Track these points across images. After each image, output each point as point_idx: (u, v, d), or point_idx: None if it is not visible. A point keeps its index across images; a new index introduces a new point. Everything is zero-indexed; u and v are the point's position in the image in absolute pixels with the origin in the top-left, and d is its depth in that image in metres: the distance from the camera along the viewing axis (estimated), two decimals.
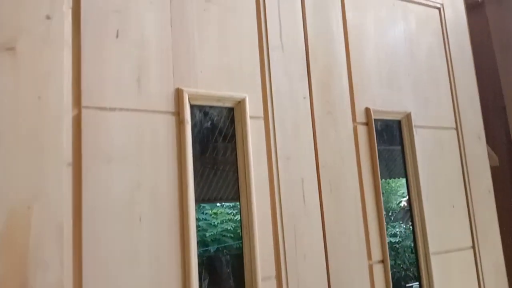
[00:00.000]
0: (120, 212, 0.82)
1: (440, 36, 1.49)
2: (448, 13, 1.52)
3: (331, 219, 1.08)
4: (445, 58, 1.47)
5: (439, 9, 1.50)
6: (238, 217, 0.99)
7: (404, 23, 1.40)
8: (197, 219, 0.91)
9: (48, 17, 0.81)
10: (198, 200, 0.92)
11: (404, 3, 1.41)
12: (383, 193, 1.45)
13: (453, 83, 1.46)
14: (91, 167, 0.81)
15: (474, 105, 1.50)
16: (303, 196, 1.05)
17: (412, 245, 1.27)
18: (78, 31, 0.85)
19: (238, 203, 0.99)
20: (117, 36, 0.88)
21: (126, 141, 0.85)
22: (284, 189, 1.03)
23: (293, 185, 1.04)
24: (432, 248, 1.25)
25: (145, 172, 0.86)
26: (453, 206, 1.34)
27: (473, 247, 1.35)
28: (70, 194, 0.79)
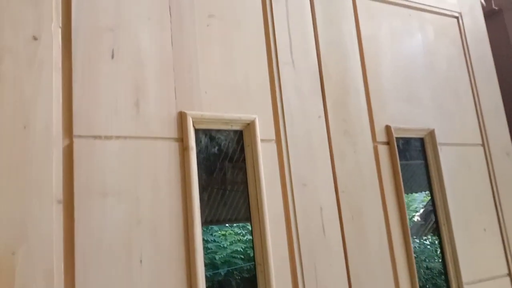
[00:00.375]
0: (118, 254, 0.72)
1: (459, 46, 1.39)
2: (467, 22, 1.43)
3: (354, 251, 0.98)
4: (466, 69, 1.38)
5: (457, 18, 1.41)
6: (247, 237, 0.89)
7: (422, 33, 1.31)
8: (206, 241, 0.82)
9: (35, 38, 0.73)
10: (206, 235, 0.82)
11: (420, 12, 1.33)
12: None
13: (476, 96, 1.36)
14: (84, 204, 0.72)
15: (500, 118, 1.39)
16: (323, 226, 0.95)
17: (443, 271, 1.15)
18: (69, 52, 0.76)
19: (248, 224, 0.88)
20: (112, 57, 0.80)
21: (123, 173, 0.76)
22: (301, 219, 0.92)
23: (311, 214, 0.94)
24: (465, 277, 1.13)
25: (145, 206, 0.77)
26: (485, 230, 1.23)
27: (510, 274, 1.23)
28: (61, 236, 0.69)
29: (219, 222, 0.87)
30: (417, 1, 1.31)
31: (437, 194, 1.17)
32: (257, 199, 0.88)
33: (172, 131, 0.82)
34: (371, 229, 1.02)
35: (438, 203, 1.17)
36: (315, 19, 1.08)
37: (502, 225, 1.26)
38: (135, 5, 0.84)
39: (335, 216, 0.97)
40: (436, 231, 1.17)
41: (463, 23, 1.42)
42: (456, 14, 1.41)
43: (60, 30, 0.76)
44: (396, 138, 1.14)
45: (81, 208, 0.71)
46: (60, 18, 0.77)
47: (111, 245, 0.72)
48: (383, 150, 1.10)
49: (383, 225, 1.04)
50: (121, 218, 0.74)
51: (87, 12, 0.79)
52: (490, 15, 1.75)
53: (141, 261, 0.74)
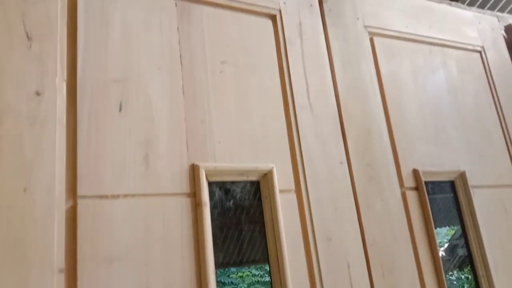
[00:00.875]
0: None
1: (485, 82, 1.33)
2: (491, 56, 1.37)
3: None
4: (493, 105, 1.30)
5: (479, 52, 1.35)
6: (266, 278, 0.81)
7: (444, 70, 1.25)
8: (222, 283, 0.74)
9: (37, 93, 0.69)
10: None
11: (441, 48, 1.27)
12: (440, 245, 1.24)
13: (507, 133, 1.27)
14: (88, 272, 0.65)
15: None
16: (351, 285, 0.86)
17: None
18: (74, 107, 0.72)
19: (267, 265, 0.80)
20: (120, 110, 0.75)
21: (131, 235, 0.70)
22: (327, 278, 0.84)
23: (338, 272, 0.86)
24: None
25: (155, 271, 0.70)
26: None
27: None
28: None
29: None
30: (437, 37, 1.26)
31: (473, 241, 1.07)
32: (277, 257, 0.80)
33: (184, 186, 0.76)
34: (404, 286, 0.92)
35: (475, 251, 1.07)
36: (332, 60, 1.04)
37: None
38: (145, 55, 0.80)
39: (364, 273, 0.88)
40: (475, 284, 1.06)
41: (486, 57, 1.36)
42: (479, 48, 1.35)
43: (65, 84, 0.72)
44: (425, 182, 1.06)
45: (84, 277, 0.65)
46: (65, 71, 0.73)
47: None
48: (412, 196, 1.02)
49: (417, 281, 0.94)
50: (128, 286, 0.67)
51: (93, 64, 0.75)
52: None
53: None
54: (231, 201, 0.82)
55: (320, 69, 1.01)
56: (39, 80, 0.70)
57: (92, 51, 0.76)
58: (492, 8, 1.59)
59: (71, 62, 0.74)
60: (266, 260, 0.82)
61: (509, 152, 1.26)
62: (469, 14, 1.38)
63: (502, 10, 1.63)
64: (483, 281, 1.05)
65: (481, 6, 1.56)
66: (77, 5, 0.77)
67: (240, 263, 0.81)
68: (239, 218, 0.82)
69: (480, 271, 1.05)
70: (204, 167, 0.78)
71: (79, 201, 0.68)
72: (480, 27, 1.38)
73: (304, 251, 0.84)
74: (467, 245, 1.09)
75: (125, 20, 0.80)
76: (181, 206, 0.75)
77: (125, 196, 0.71)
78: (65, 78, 0.73)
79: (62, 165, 0.68)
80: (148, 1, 0.84)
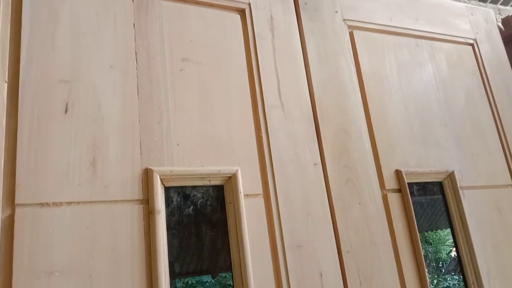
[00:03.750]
0: None
1: (478, 76, 1.25)
2: (484, 49, 1.30)
3: None
4: (487, 102, 1.23)
5: (472, 45, 1.28)
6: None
7: (433, 64, 1.18)
8: None
9: None
10: None
11: (429, 42, 1.20)
12: (430, 244, 1.17)
13: (501, 131, 1.20)
14: (24, 285, 0.60)
15: None
16: None
17: None
18: (15, 110, 0.68)
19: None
20: (65, 112, 0.70)
21: (75, 245, 0.65)
22: None
23: (309, 281, 0.80)
24: None
25: (101, 285, 0.64)
26: None
27: None
28: None
29: None
30: (424, 29, 1.19)
31: (463, 247, 1.00)
32: (240, 266, 0.75)
33: (135, 192, 0.71)
34: None
35: (465, 257, 1.00)
36: (307, 56, 0.98)
37: None
38: (96, 53, 0.76)
39: (338, 283, 0.82)
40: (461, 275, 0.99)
41: (479, 50, 1.29)
42: (471, 41, 1.28)
43: (6, 85, 0.68)
44: (410, 183, 0.99)
45: None
46: (7, 72, 0.68)
47: None
48: (394, 198, 0.95)
49: None
50: None
51: (38, 64, 0.71)
52: (510, 40, 1.61)
53: None
54: (191, 208, 0.77)
55: (293, 66, 0.96)
56: None
57: (37, 50, 0.71)
58: (494, 1, 1.52)
59: (14, 62, 0.70)
60: (229, 269, 0.76)
61: (504, 151, 1.18)
62: (460, 5, 1.31)
63: (505, 3, 1.55)
64: None
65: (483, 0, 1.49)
66: (22, 1, 0.73)
67: (200, 272, 0.75)
68: (200, 226, 0.77)
69: (470, 278, 0.98)
70: (159, 171, 0.73)
71: (17, 209, 0.63)
72: (472, 19, 1.31)
73: (272, 260, 0.79)
74: (457, 250, 1.02)
75: (75, 16, 0.76)
76: (132, 214, 0.70)
77: (69, 203, 0.66)
78: (6, 79, 0.68)
79: (0, 171, 0.63)
80: None
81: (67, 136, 0.69)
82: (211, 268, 0.76)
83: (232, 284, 0.75)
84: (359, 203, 0.91)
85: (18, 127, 0.67)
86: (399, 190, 0.97)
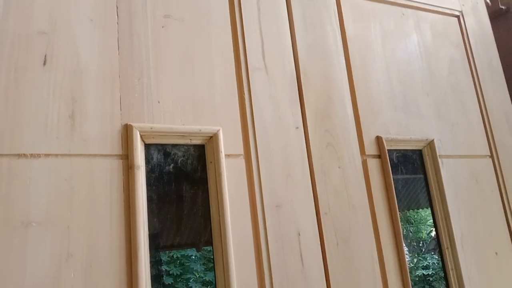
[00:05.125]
0: None
1: (462, 48, 1.26)
2: (469, 22, 1.30)
3: (339, 282, 0.84)
4: (470, 74, 1.24)
5: (457, 17, 1.28)
6: None
7: (418, 35, 1.18)
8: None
9: None
10: (157, 270, 0.70)
11: (415, 11, 1.20)
12: (412, 223, 1.20)
13: (482, 103, 1.22)
14: (2, 235, 0.60)
15: (511, 127, 1.25)
16: (300, 254, 0.82)
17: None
18: None
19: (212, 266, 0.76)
20: (44, 63, 0.69)
21: (53, 197, 0.64)
22: (274, 247, 0.79)
23: (287, 241, 0.81)
24: None
25: (79, 238, 0.65)
26: (496, 254, 1.07)
27: None
28: None
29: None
30: None
31: (439, 212, 1.03)
32: (219, 224, 0.76)
33: (115, 147, 0.71)
34: (360, 257, 0.88)
35: (440, 223, 1.02)
36: (292, 19, 0.97)
37: None
38: (76, 6, 0.74)
39: (316, 243, 0.84)
40: (439, 255, 1.02)
41: (465, 23, 1.29)
42: (457, 13, 1.28)
43: None
44: (390, 150, 1.01)
45: None
46: None
47: (35, 283, 0.61)
48: (373, 164, 0.97)
49: (375, 253, 0.90)
50: (47, 252, 0.62)
51: (16, 14, 0.69)
52: (497, 15, 1.61)
53: None
54: (171, 165, 0.77)
55: (278, 28, 0.95)
56: None
57: (16, 1, 0.69)
58: None
59: None
60: (209, 228, 0.77)
61: (483, 123, 1.20)
62: None
63: None
64: (446, 252, 1.01)
65: None
66: None
67: (179, 233, 0.76)
68: (180, 183, 0.77)
69: (445, 243, 1.01)
70: (139, 127, 0.73)
71: None
72: None
73: (251, 218, 0.80)
74: (433, 216, 1.04)
75: None
76: (111, 169, 0.69)
77: (47, 155, 0.66)
78: None
79: None
80: None
81: (46, 89, 0.68)
82: (189, 222, 0.77)
83: (211, 241, 0.76)
84: (339, 167, 0.92)
85: None
86: (379, 156, 0.98)
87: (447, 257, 1.00)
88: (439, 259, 1.06)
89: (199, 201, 0.78)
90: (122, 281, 0.65)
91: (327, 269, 0.83)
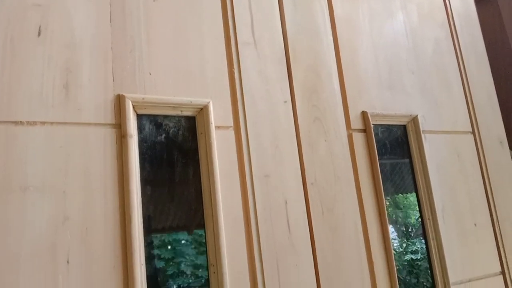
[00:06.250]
0: (41, 253, 0.63)
1: (447, 29, 1.29)
2: (455, 3, 1.33)
3: (324, 249, 0.88)
4: (454, 54, 1.28)
5: None
6: None
7: (404, 15, 1.21)
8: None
9: None
10: (149, 232, 0.73)
11: None
12: (401, 209, 1.25)
13: (466, 82, 1.26)
14: (1, 199, 0.63)
15: (492, 105, 1.29)
16: (288, 222, 0.85)
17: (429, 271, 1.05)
18: None
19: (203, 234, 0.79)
20: (39, 34, 0.71)
21: (48, 164, 0.67)
22: (262, 214, 0.83)
23: (274, 209, 0.85)
24: (452, 277, 1.03)
25: (75, 202, 0.68)
26: (475, 225, 1.12)
27: (503, 272, 1.12)
28: None
29: (166, 220, 0.78)
30: None
31: (421, 185, 1.07)
32: (210, 192, 0.79)
33: (108, 116, 0.73)
34: (344, 225, 0.92)
35: (422, 195, 1.07)
36: None
37: (495, 219, 1.16)
38: None
39: (302, 211, 0.88)
40: (421, 226, 1.07)
41: (450, 4, 1.32)
42: None
43: None
44: (375, 125, 1.04)
45: None
46: None
47: (32, 244, 0.64)
48: (358, 138, 1.00)
49: (359, 222, 0.94)
50: (44, 215, 0.65)
51: None
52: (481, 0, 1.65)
53: (68, 261, 0.65)
54: (163, 136, 0.79)
55: (268, 4, 0.97)
56: None
57: None
58: None
59: None
60: (199, 196, 0.80)
61: (466, 100, 1.24)
62: None
63: None
64: (428, 224, 1.05)
65: None
66: None
67: (171, 199, 0.79)
68: (172, 153, 0.80)
69: (426, 214, 1.06)
70: (131, 98, 0.75)
71: None
72: None
73: (240, 187, 0.83)
74: (415, 188, 1.09)
75: None
76: (105, 137, 0.72)
77: (43, 123, 0.68)
78: None
79: None
80: None
81: (41, 59, 0.70)
82: (181, 193, 0.80)
83: (202, 208, 0.79)
84: (325, 140, 0.96)
85: None
86: (364, 130, 1.02)
87: (428, 227, 1.05)
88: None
89: (190, 170, 0.81)
90: (116, 242, 0.68)
91: (313, 236, 0.87)
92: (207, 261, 0.77)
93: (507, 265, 1.14)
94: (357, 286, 0.89)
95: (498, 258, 1.13)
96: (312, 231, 0.88)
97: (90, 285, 0.66)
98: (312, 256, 0.86)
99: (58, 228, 0.65)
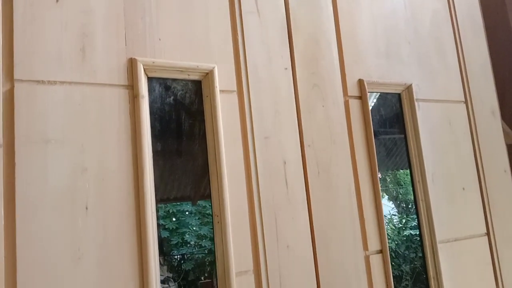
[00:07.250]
0: (62, 201, 0.71)
1: (445, 1, 1.33)
2: None
3: (319, 205, 0.95)
4: (451, 26, 1.32)
5: None
6: None
7: None
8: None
9: None
10: (159, 190, 0.80)
11: None
12: (401, 185, 1.31)
13: (461, 52, 1.30)
14: (25, 150, 0.70)
15: (486, 75, 1.34)
16: (286, 180, 0.92)
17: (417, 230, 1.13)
18: None
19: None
20: (57, 1, 0.77)
21: (67, 119, 0.74)
22: (262, 172, 0.90)
23: (274, 168, 0.92)
24: (439, 236, 1.10)
25: (92, 154, 0.75)
26: (464, 189, 1.19)
27: (488, 233, 1.20)
28: (1, 182, 0.68)
29: (174, 176, 0.85)
30: None
31: (412, 149, 1.13)
32: (215, 151, 0.86)
33: (121, 78, 0.79)
34: (338, 185, 0.99)
35: (413, 159, 1.13)
36: None
37: (483, 184, 1.22)
38: None
39: (299, 170, 0.95)
40: (412, 188, 1.14)
41: None
42: None
43: None
44: (371, 93, 1.10)
45: (22, 153, 0.70)
46: None
47: (54, 192, 0.71)
48: (354, 104, 1.06)
49: (352, 182, 1.01)
50: (64, 165, 0.72)
51: None
52: None
53: (86, 207, 0.72)
54: (172, 98, 0.86)
55: None
56: None
57: None
58: None
59: None
60: (205, 153, 0.87)
61: (460, 71, 1.29)
62: None
63: None
64: (418, 186, 1.12)
65: None
66: None
67: (178, 155, 0.86)
68: (179, 114, 0.86)
69: (416, 177, 1.12)
70: (142, 61, 0.81)
71: (16, 84, 0.71)
72: None
73: (242, 147, 0.90)
74: (407, 153, 1.15)
75: None
76: (119, 97, 0.79)
77: (62, 83, 0.74)
78: None
79: None
80: None
81: (58, 24, 0.76)
82: (188, 150, 0.87)
83: (207, 164, 0.86)
84: (323, 106, 1.02)
85: (14, 12, 0.73)
86: (360, 98, 1.08)
87: (418, 190, 1.12)
88: None
89: (196, 130, 0.87)
90: (130, 192, 0.76)
91: (309, 194, 0.95)
92: (212, 212, 0.85)
93: (492, 227, 1.21)
94: (349, 238, 0.97)
95: (484, 221, 1.20)
96: (308, 189, 0.95)
97: (106, 229, 0.73)
98: (307, 210, 0.93)
99: (77, 177, 0.73)
